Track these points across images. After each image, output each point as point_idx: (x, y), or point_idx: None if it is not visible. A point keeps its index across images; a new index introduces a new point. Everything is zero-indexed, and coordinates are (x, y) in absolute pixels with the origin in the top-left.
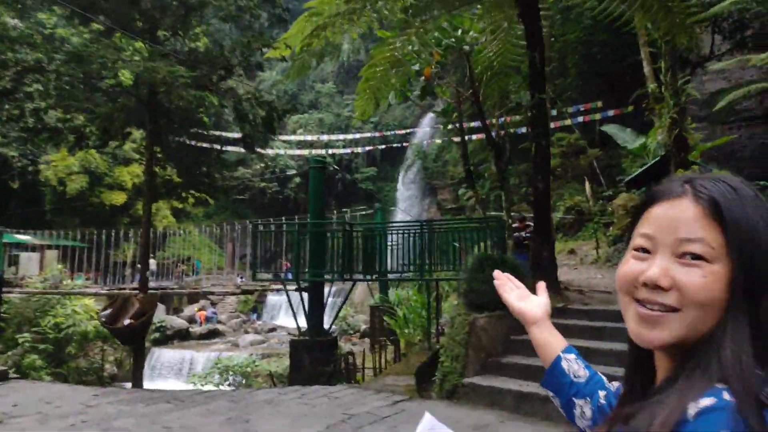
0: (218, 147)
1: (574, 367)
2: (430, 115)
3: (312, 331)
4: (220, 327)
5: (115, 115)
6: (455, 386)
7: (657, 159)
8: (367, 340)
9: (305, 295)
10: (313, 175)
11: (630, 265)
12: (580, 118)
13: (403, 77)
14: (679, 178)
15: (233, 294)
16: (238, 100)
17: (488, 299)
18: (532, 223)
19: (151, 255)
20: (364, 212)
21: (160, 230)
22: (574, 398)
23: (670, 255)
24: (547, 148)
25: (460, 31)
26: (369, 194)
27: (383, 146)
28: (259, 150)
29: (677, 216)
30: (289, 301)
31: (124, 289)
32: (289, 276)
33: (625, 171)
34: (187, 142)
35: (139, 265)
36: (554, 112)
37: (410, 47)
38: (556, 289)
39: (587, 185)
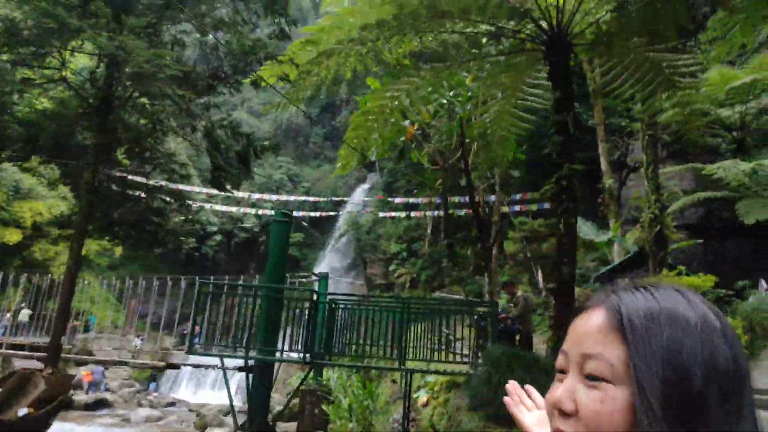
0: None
1: None
2: (364, 186)
3: (254, 423)
4: (108, 396)
5: (45, 123)
6: None
7: (630, 255)
8: (281, 424)
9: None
10: (277, 230)
11: (550, 390)
12: (517, 207)
13: (392, 131)
14: (612, 285)
15: (154, 367)
16: (211, 125)
17: None
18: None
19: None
20: (304, 279)
21: (56, 277)
22: None
23: (578, 373)
24: (575, 227)
25: (452, 92)
26: (294, 260)
27: (316, 213)
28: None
29: (585, 329)
30: (226, 379)
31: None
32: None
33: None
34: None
35: (22, 312)
36: (493, 197)
37: (405, 100)
38: None
39: (540, 274)
